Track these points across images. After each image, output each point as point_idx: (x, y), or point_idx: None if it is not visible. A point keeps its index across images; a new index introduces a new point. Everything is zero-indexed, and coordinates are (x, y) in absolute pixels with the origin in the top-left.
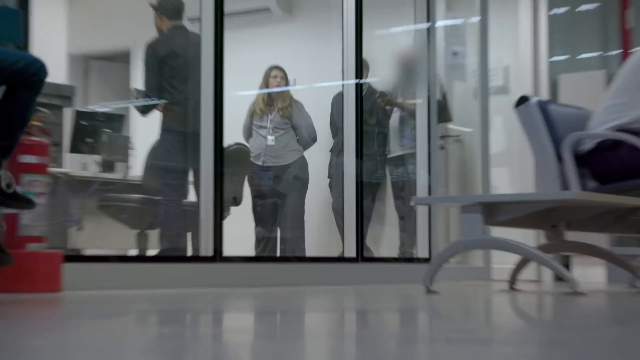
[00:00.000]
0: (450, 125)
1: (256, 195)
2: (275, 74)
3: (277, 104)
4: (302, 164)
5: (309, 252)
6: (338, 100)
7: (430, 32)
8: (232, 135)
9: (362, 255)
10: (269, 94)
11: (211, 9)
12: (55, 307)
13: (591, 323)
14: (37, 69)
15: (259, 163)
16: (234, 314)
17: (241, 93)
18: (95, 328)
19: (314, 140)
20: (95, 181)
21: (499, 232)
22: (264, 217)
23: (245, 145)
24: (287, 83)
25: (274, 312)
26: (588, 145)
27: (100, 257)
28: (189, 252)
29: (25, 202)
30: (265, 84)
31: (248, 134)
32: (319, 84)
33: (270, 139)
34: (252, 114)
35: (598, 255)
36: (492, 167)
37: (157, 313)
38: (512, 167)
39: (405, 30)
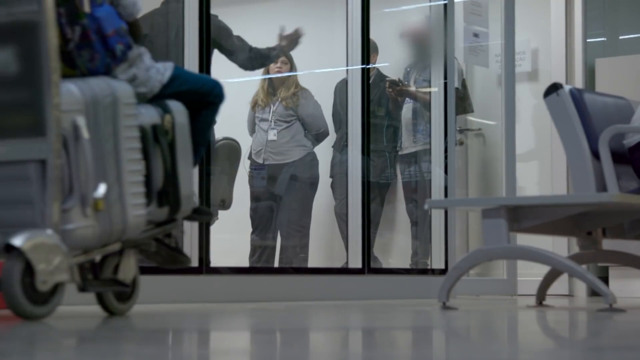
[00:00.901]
0: (471, 118)
1: (254, 198)
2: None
3: (280, 93)
4: (308, 162)
5: (309, 262)
6: (342, 89)
7: (447, 9)
8: (221, 129)
9: (369, 266)
10: (271, 82)
11: None
12: (17, 326)
13: (630, 343)
14: (219, 92)
15: (260, 161)
16: (223, 333)
17: (233, 80)
18: (65, 350)
19: (323, 134)
20: None
21: (525, 239)
22: (261, 222)
23: (235, 141)
24: (291, 68)
25: (270, 330)
26: (632, 139)
27: None
28: None
29: (207, 215)
30: (267, 70)
31: (252, 128)
32: (320, 70)
33: (272, 133)
34: (254, 106)
35: (639, 266)
36: (518, 165)
37: (134, 332)
38: (541, 165)
39: (419, 8)
